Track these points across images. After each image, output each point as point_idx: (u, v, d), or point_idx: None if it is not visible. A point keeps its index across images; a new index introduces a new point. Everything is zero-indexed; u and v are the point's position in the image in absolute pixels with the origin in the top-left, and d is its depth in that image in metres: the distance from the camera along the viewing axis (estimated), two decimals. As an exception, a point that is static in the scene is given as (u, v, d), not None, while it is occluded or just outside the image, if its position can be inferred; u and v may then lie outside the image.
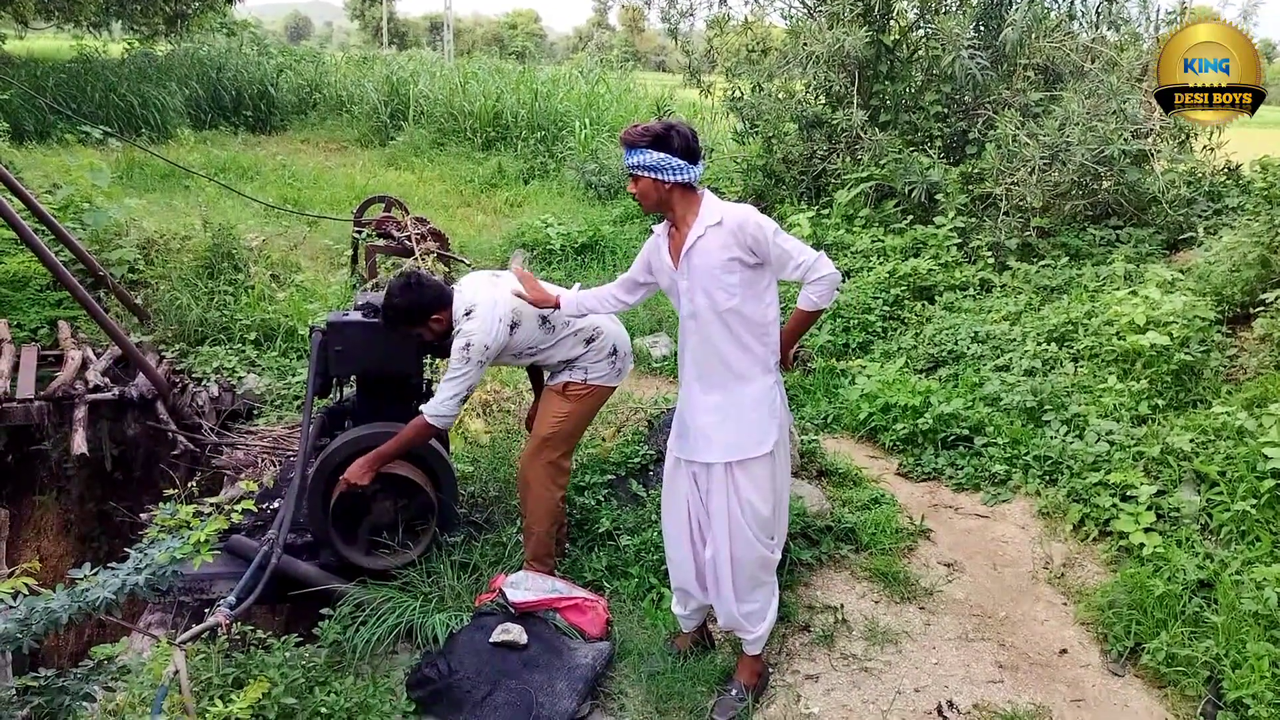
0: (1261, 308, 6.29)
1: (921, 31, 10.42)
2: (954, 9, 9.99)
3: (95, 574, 2.77)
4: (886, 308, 8.06)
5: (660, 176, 3.54)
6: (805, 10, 11.30)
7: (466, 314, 4.23)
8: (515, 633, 4.08)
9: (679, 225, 3.66)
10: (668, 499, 3.99)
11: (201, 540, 2.87)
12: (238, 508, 3.36)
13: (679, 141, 3.52)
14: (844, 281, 8.59)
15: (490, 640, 4.06)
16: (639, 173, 3.57)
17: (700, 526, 3.88)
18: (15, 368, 6.73)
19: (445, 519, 4.64)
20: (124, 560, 3.10)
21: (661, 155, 3.50)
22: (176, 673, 3.34)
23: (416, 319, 4.26)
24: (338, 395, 4.91)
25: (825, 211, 9.80)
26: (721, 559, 3.81)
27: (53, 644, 6.49)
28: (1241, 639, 4.20)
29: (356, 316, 4.51)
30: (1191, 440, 5.40)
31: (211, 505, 3.47)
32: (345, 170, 14.94)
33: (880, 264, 8.52)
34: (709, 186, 3.74)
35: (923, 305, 7.98)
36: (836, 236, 9.17)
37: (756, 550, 3.79)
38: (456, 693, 3.88)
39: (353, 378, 4.77)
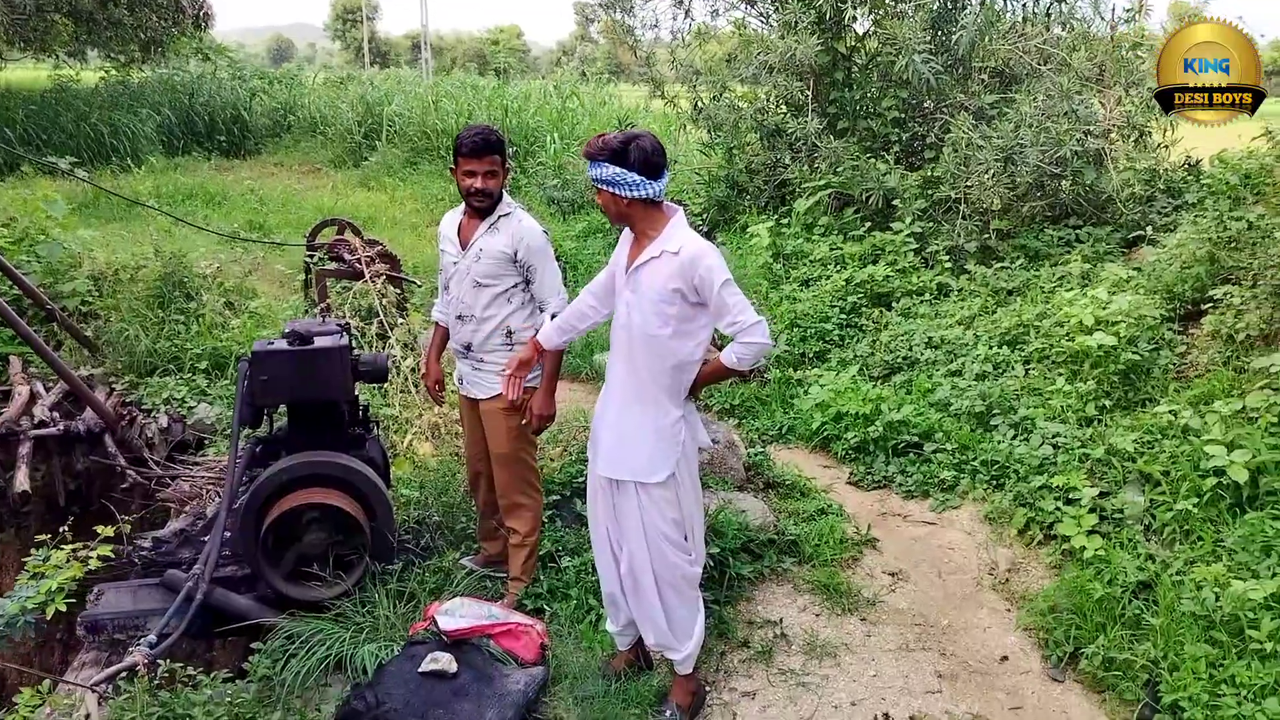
0: (1210, 304, 6.28)
1: (876, 38, 10.42)
2: (909, 14, 9.98)
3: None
4: (844, 315, 8.04)
5: (618, 191, 3.53)
6: (761, 19, 11.31)
7: (508, 213, 4.45)
8: (444, 661, 4.04)
9: (639, 238, 3.68)
10: (590, 510, 4.03)
11: (55, 589, 2.82)
12: (94, 554, 3.31)
13: (636, 156, 3.48)
14: (804, 289, 8.58)
15: (419, 670, 4.02)
16: (600, 186, 3.59)
17: (615, 539, 3.89)
18: (-36, 405, 6.69)
19: (380, 549, 4.60)
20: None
21: (618, 170, 3.49)
22: (88, 717, 3.31)
23: (504, 151, 4.46)
24: (270, 425, 4.87)
25: (785, 221, 9.78)
26: (641, 572, 3.81)
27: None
28: (1180, 640, 4.19)
29: (282, 344, 4.48)
30: (1135, 440, 5.38)
31: (73, 550, 3.42)
32: (315, 193, 14.91)
33: (838, 272, 8.51)
34: (677, 200, 3.71)
35: (880, 312, 7.97)
36: (796, 245, 9.16)
37: (671, 561, 3.78)
38: (384, 724, 3.84)
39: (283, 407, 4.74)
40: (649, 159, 3.49)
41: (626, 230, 3.80)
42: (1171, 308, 6.58)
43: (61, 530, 4.05)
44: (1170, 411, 5.47)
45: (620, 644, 4.23)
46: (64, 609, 3.02)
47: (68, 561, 3.26)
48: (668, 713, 3.98)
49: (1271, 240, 5.84)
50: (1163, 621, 4.29)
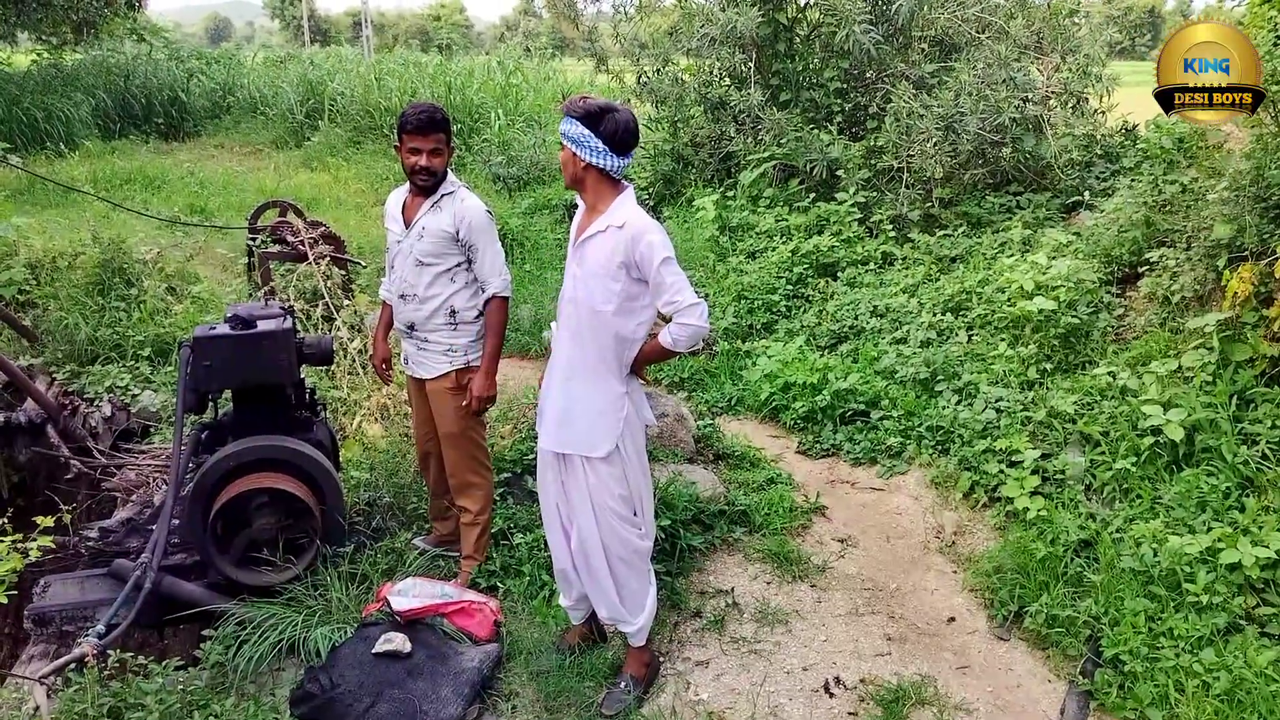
0: (1147, 267, 6.40)
1: (817, 8, 10.44)
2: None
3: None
4: (790, 286, 8.10)
5: (578, 152, 3.55)
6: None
7: (451, 192, 4.41)
8: (398, 642, 4.05)
9: (588, 210, 3.69)
10: (539, 486, 4.04)
11: (-6, 582, 2.80)
12: (34, 545, 3.27)
13: (608, 126, 3.50)
14: (750, 261, 8.62)
15: (373, 651, 4.03)
16: (564, 141, 3.60)
17: (565, 515, 3.91)
18: (-99, 399, 6.54)
19: (330, 532, 4.58)
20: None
21: (586, 132, 3.50)
22: (37, 709, 3.28)
23: (449, 128, 4.41)
24: (215, 411, 4.81)
25: (730, 193, 9.82)
26: (591, 546, 3.83)
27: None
28: (1120, 596, 4.30)
29: (224, 329, 4.43)
30: (1075, 402, 5.49)
31: (13, 542, 3.38)
32: (257, 174, 14.69)
33: (784, 243, 8.56)
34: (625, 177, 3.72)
35: (825, 282, 8.04)
36: (741, 218, 9.19)
37: (621, 536, 3.82)
38: (339, 706, 3.84)
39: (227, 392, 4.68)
40: (618, 133, 3.51)
41: (581, 206, 3.81)
42: (1109, 271, 6.70)
43: (0, 522, 3.98)
44: (1109, 373, 5.59)
45: (573, 618, 4.26)
46: (4, 601, 2.98)
47: (8, 553, 3.21)
48: (622, 684, 4.02)
49: (1204, 203, 5.95)
50: (1103, 578, 4.40)
